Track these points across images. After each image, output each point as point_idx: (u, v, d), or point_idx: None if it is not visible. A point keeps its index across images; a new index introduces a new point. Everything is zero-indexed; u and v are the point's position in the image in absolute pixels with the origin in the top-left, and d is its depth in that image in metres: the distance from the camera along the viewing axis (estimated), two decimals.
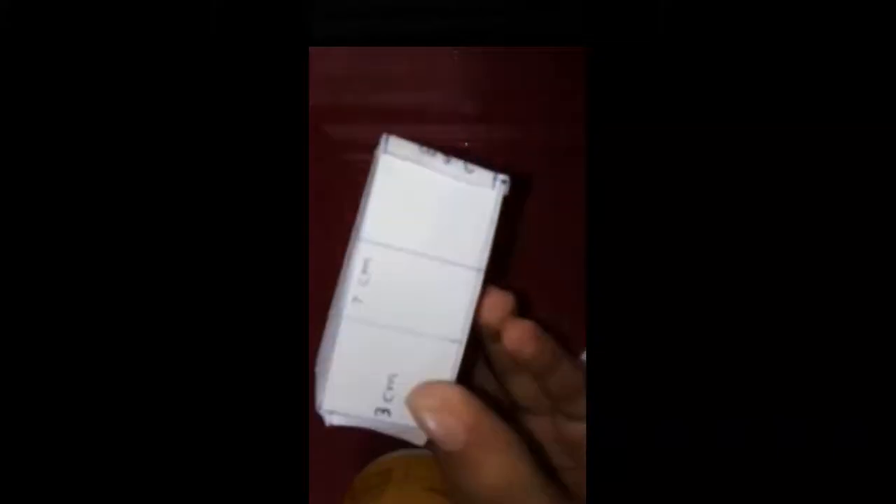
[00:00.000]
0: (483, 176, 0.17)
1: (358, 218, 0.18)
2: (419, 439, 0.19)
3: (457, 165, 0.17)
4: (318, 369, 0.19)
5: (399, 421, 0.18)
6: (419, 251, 0.17)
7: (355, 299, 0.17)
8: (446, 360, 0.18)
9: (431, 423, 0.17)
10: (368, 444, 0.30)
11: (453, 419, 0.17)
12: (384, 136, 0.17)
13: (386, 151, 0.17)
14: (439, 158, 0.17)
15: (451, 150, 0.22)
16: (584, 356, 0.24)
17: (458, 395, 0.17)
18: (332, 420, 0.18)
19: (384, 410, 0.18)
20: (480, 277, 0.18)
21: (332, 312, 0.20)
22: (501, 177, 0.17)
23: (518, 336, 0.19)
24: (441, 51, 0.29)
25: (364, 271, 0.17)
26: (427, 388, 0.18)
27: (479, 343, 0.21)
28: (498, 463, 0.17)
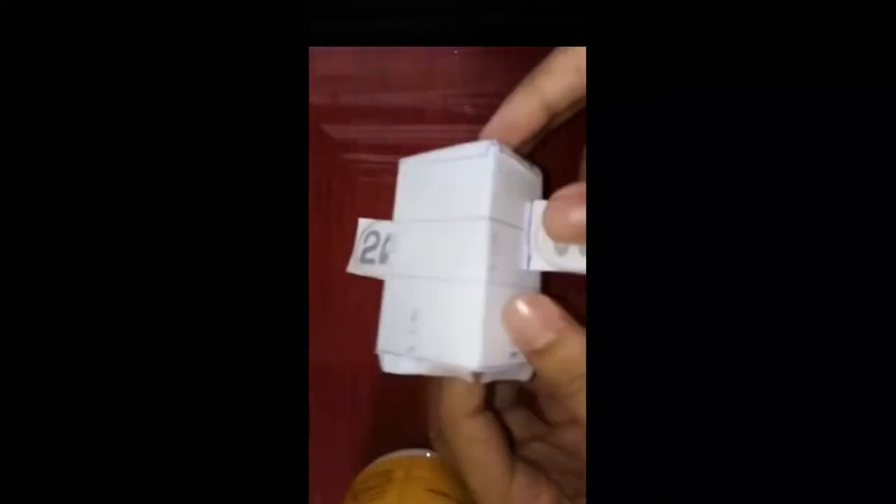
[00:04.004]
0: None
1: (435, 206, 0.22)
2: (527, 375, 0.23)
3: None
4: (407, 344, 0.22)
5: (521, 359, 0.21)
6: (511, 223, 0.21)
7: (493, 267, 0.20)
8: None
9: (525, 314, 0.20)
10: (368, 444, 0.30)
11: (549, 310, 0.20)
12: (492, 142, 0.21)
13: (501, 151, 0.21)
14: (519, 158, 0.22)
15: None
16: None
17: (546, 298, 0.21)
18: (485, 378, 0.21)
19: (514, 353, 0.21)
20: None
21: (404, 287, 0.22)
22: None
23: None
24: (441, 51, 0.29)
25: (494, 243, 0.20)
26: (520, 296, 0.21)
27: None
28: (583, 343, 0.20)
